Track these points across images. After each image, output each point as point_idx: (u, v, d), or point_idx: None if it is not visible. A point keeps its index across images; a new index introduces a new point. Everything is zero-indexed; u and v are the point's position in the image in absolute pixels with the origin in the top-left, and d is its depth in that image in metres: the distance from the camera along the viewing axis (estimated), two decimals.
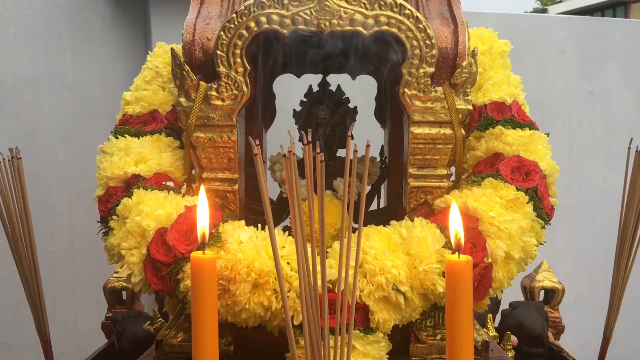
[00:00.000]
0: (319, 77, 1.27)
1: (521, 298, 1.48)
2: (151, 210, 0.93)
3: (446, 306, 0.74)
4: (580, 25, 2.22)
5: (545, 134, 1.06)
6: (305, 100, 1.24)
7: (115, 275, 1.47)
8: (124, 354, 1.26)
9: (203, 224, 0.76)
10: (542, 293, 1.45)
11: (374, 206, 1.29)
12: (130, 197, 0.97)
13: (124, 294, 1.47)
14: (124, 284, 1.46)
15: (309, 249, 0.72)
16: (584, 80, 2.19)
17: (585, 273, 2.15)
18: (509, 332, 1.22)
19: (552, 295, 1.45)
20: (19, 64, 1.88)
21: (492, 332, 1.27)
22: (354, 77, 1.32)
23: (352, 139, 0.75)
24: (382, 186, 1.29)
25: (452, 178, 1.06)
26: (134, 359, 1.13)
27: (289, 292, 0.89)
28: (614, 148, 2.15)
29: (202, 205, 0.77)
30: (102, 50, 1.94)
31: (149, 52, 1.21)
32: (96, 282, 1.90)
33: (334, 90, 1.25)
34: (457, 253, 0.73)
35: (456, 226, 0.75)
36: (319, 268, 0.73)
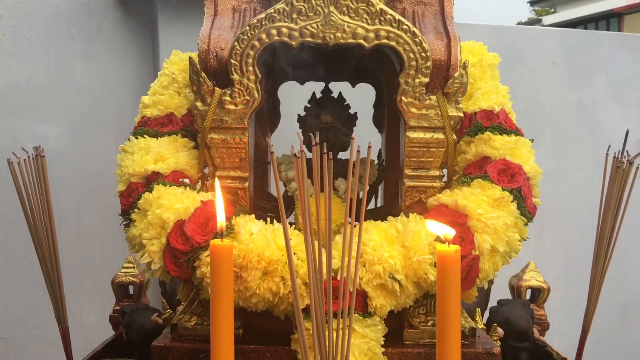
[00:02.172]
0: (321, 84, 1.34)
1: (509, 296, 1.55)
2: (170, 204, 1.02)
3: (437, 290, 0.82)
4: (569, 37, 2.29)
5: (530, 140, 1.15)
6: (309, 106, 1.32)
7: (122, 270, 1.53)
8: (131, 344, 1.31)
9: (221, 217, 0.85)
10: (528, 292, 1.51)
11: (371, 206, 1.37)
12: (151, 192, 1.05)
13: (131, 288, 1.52)
14: (131, 278, 1.51)
15: (315, 242, 0.81)
16: (573, 91, 2.26)
17: (573, 276, 2.19)
18: (495, 324, 1.29)
19: (538, 294, 1.50)
20: (31, 68, 1.94)
21: (481, 325, 1.35)
22: (353, 85, 1.41)
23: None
24: (380, 187, 1.38)
25: (444, 179, 1.14)
26: (142, 349, 1.19)
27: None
28: (601, 156, 2.21)
29: (218, 196, 0.85)
30: (111, 55, 2.00)
31: (165, 61, 1.28)
32: (102, 278, 1.95)
33: (335, 97, 1.33)
34: (447, 243, 0.81)
35: (440, 227, 0.84)
36: (324, 258, 0.81)
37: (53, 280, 1.21)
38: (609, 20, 16.39)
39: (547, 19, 17.33)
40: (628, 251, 2.24)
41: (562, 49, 2.25)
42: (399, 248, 1.01)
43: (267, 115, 1.36)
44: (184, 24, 1.91)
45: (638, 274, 2.34)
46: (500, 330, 1.29)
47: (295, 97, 1.40)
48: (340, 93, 1.33)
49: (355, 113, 1.32)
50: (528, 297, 1.52)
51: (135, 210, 1.06)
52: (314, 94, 1.33)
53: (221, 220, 0.86)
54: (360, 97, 1.41)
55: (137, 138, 1.14)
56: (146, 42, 2.02)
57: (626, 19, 15.98)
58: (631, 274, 2.31)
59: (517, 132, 1.14)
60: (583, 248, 2.18)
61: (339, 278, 0.86)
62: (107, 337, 1.39)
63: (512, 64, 2.13)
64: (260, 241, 0.98)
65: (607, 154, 1.18)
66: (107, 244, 2.01)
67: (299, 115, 1.33)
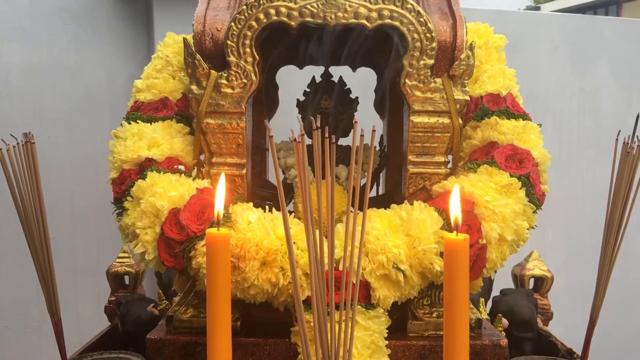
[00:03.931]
0: (321, 69, 1.30)
1: (512, 286, 1.52)
2: (165, 191, 0.98)
3: (444, 281, 0.79)
4: (572, 22, 2.26)
5: (538, 125, 1.12)
6: (308, 90, 1.28)
7: (118, 260, 1.50)
8: (127, 336, 1.29)
9: (219, 207, 0.81)
10: (532, 281, 1.49)
11: (372, 193, 1.33)
12: (145, 179, 1.01)
13: (127, 279, 1.50)
14: (127, 268, 1.48)
15: (316, 231, 0.77)
16: (575, 77, 2.23)
17: (575, 265, 2.19)
18: (500, 315, 1.26)
19: (542, 283, 1.49)
20: (23, 53, 1.91)
21: (485, 316, 1.32)
22: (354, 69, 1.37)
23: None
24: (381, 174, 1.35)
25: (450, 165, 1.11)
26: (137, 341, 1.17)
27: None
28: (603, 143, 2.16)
29: (220, 190, 0.82)
30: (105, 41, 1.97)
31: (159, 43, 1.24)
32: (97, 268, 1.93)
33: (336, 81, 1.29)
34: (455, 232, 0.78)
35: (456, 207, 0.80)
36: (325, 248, 0.78)
37: (45, 271, 1.18)
38: (608, 7, 16.34)
39: (546, 7, 17.25)
40: (635, 239, 2.21)
41: (564, 34, 2.22)
42: (403, 237, 0.97)
43: (265, 101, 1.32)
44: (179, 7, 1.88)
45: None
46: (505, 321, 1.27)
47: (294, 81, 1.36)
48: (340, 77, 1.30)
49: (357, 97, 1.29)
50: (531, 286, 1.50)
51: (128, 198, 1.03)
52: (313, 78, 1.29)
53: (219, 208, 0.82)
54: (361, 82, 1.37)
55: (129, 123, 1.11)
56: (141, 25, 1.99)
57: (625, 6, 15.93)
58: (637, 262, 2.28)
59: (525, 117, 1.10)
60: (585, 236, 2.19)
61: (340, 268, 0.83)
62: (103, 329, 1.36)
63: (514, 49, 2.07)
64: (258, 230, 0.95)
65: (616, 139, 1.14)
66: (103, 233, 1.98)
67: (298, 100, 1.29)
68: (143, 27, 1.99)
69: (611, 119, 2.23)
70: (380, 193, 1.36)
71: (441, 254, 0.96)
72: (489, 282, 1.45)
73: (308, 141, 0.95)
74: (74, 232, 1.98)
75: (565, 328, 1.56)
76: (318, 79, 1.29)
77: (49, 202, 1.19)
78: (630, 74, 2.28)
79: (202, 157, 1.13)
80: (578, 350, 1.25)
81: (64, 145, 1.95)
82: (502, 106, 1.10)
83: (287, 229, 0.76)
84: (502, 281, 1.45)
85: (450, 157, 1.12)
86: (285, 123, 1.19)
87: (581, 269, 2.11)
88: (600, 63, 2.25)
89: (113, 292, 1.49)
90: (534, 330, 1.33)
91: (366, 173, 1.17)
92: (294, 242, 0.96)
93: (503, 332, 1.24)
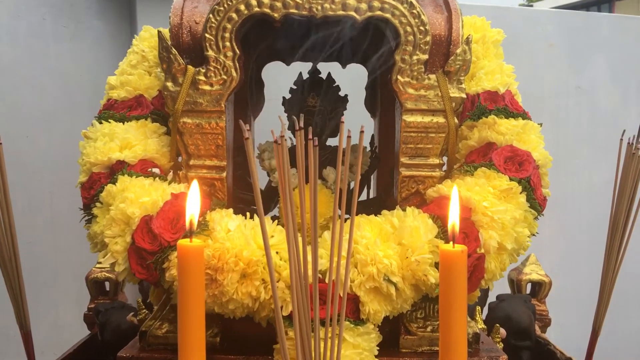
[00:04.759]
0: (308, 65, 1.25)
1: (508, 291, 1.47)
2: (136, 197, 0.91)
3: (440, 296, 0.73)
4: (568, 19, 2.22)
5: (538, 124, 1.06)
6: (295, 87, 1.22)
7: (98, 265, 1.45)
8: (106, 345, 1.24)
9: (192, 213, 0.74)
10: (529, 286, 1.45)
11: (363, 196, 1.28)
12: (115, 184, 0.94)
13: (107, 285, 1.45)
14: (107, 274, 1.44)
15: (300, 239, 0.71)
16: (572, 74, 2.19)
17: (571, 267, 2.16)
18: (497, 325, 1.21)
19: (539, 288, 1.45)
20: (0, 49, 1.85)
21: (481, 325, 1.27)
22: (344, 66, 1.31)
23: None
24: (372, 176, 1.28)
25: (445, 168, 1.05)
26: (117, 350, 1.11)
27: (278, 282, 0.87)
28: (601, 142, 2.16)
29: (193, 196, 0.75)
30: (86, 36, 1.91)
31: (134, 37, 1.19)
32: (78, 274, 1.87)
33: (324, 78, 1.23)
34: (451, 242, 0.71)
35: (455, 215, 0.73)
36: (309, 258, 0.71)
37: (13, 281, 1.12)
38: (600, 5, 16.41)
39: (539, 5, 17.32)
40: (635, 238, 2.19)
41: (560, 31, 2.19)
42: (394, 246, 0.91)
43: (250, 99, 1.26)
44: (163, 2, 1.81)
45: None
46: (502, 331, 1.22)
47: (281, 78, 1.30)
48: (329, 74, 1.24)
49: (346, 95, 1.23)
50: (528, 291, 1.46)
51: (97, 204, 0.96)
52: (300, 74, 1.24)
53: (192, 214, 0.75)
54: (351, 79, 1.32)
55: (101, 123, 1.04)
56: (123, 22, 1.94)
57: (617, 5, 16.00)
58: (633, 263, 2.25)
59: (525, 115, 1.05)
60: (582, 238, 2.16)
61: (326, 281, 0.76)
62: (83, 337, 1.32)
63: (509, 46, 2.05)
64: (238, 239, 0.88)
65: (621, 139, 1.09)
66: (83, 237, 1.91)
67: (284, 98, 1.23)
68: (126, 23, 1.93)
69: (608, 116, 2.19)
70: (371, 196, 1.30)
71: (436, 265, 0.89)
72: (485, 288, 1.40)
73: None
74: (53, 236, 1.92)
75: (560, 331, 1.52)
76: (305, 76, 1.23)
77: (27, 204, 1.14)
78: (627, 71, 2.25)
79: (180, 158, 1.07)
80: (576, 358, 1.20)
81: (43, 145, 1.89)
82: (501, 104, 1.04)
83: (266, 236, 0.70)
84: (499, 286, 1.40)
85: (445, 159, 1.06)
86: (272, 122, 1.13)
87: (578, 270, 2.08)
88: (596, 60, 2.22)
89: (93, 299, 1.45)
90: (532, 338, 1.30)
91: (355, 175, 1.11)
92: (277, 252, 0.89)
93: (501, 344, 1.19)
